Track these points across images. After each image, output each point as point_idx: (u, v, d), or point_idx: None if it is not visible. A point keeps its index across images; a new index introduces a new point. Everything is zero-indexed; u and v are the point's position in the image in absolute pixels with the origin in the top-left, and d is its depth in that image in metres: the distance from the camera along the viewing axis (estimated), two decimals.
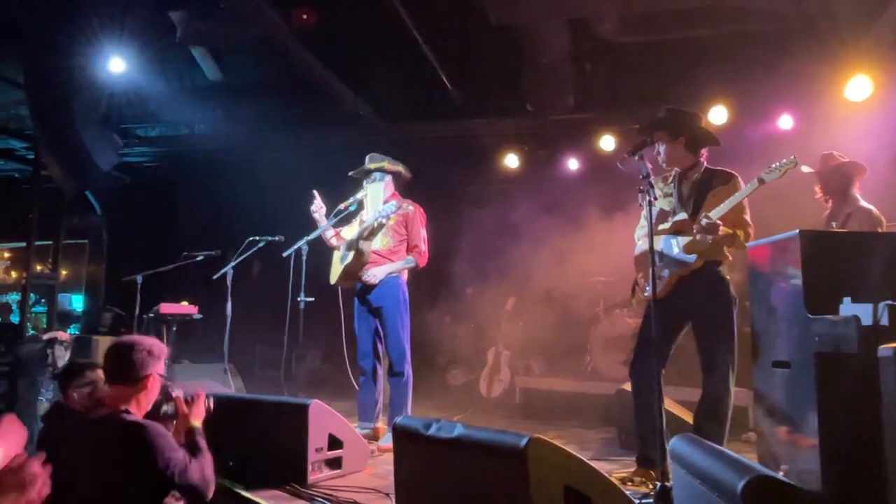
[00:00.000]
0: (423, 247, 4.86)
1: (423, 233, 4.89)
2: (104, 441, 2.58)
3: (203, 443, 2.80)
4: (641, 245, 3.95)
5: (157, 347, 2.74)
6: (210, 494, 2.64)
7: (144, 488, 2.51)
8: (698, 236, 3.60)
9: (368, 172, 4.93)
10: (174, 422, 2.88)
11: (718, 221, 3.54)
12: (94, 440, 2.60)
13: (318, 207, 4.90)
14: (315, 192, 4.90)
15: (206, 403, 2.97)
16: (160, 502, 2.55)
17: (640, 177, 3.33)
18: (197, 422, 2.87)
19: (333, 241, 4.98)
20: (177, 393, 2.91)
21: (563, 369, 7.45)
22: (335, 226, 4.97)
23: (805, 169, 3.61)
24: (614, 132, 7.79)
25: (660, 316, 3.30)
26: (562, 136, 8.40)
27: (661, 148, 3.85)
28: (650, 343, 3.35)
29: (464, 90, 8.06)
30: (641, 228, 3.98)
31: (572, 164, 8.39)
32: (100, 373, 3.94)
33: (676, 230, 3.75)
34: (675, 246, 3.74)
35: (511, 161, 8.63)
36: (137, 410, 2.67)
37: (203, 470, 2.63)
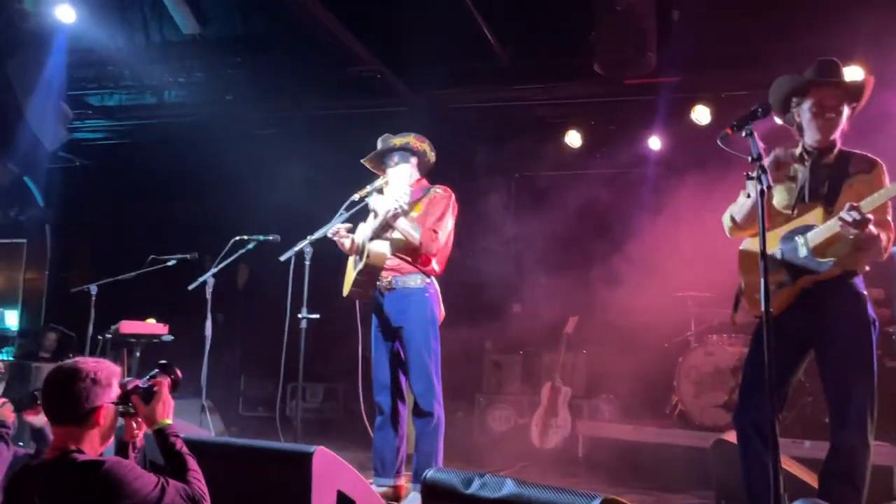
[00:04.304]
0: (441, 234, 4.81)
1: (449, 222, 4.89)
2: (53, 489, 2.62)
3: (180, 445, 2.84)
4: (748, 242, 3.90)
5: (102, 371, 2.73)
6: None
7: None
8: (841, 230, 3.51)
9: (390, 151, 4.97)
10: (136, 421, 2.92)
11: (870, 216, 3.46)
12: (40, 489, 2.64)
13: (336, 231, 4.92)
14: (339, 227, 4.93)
15: (176, 377, 3.00)
16: None
17: (750, 159, 3.29)
18: (167, 419, 2.89)
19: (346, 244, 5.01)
20: (132, 385, 2.90)
21: (642, 413, 7.45)
22: (349, 220, 4.98)
23: None
24: (710, 101, 7.74)
25: (775, 341, 3.26)
26: (640, 105, 8.35)
27: (839, 109, 3.79)
28: (762, 378, 3.30)
29: (513, 47, 8.05)
30: (739, 211, 3.90)
31: (654, 142, 8.35)
32: None
33: (804, 225, 3.71)
34: (801, 246, 3.68)
35: (573, 139, 8.61)
36: (92, 450, 2.70)
37: (191, 485, 2.69)
